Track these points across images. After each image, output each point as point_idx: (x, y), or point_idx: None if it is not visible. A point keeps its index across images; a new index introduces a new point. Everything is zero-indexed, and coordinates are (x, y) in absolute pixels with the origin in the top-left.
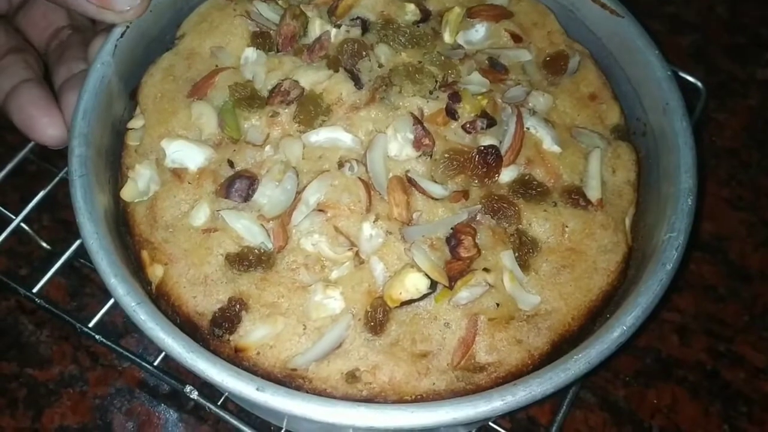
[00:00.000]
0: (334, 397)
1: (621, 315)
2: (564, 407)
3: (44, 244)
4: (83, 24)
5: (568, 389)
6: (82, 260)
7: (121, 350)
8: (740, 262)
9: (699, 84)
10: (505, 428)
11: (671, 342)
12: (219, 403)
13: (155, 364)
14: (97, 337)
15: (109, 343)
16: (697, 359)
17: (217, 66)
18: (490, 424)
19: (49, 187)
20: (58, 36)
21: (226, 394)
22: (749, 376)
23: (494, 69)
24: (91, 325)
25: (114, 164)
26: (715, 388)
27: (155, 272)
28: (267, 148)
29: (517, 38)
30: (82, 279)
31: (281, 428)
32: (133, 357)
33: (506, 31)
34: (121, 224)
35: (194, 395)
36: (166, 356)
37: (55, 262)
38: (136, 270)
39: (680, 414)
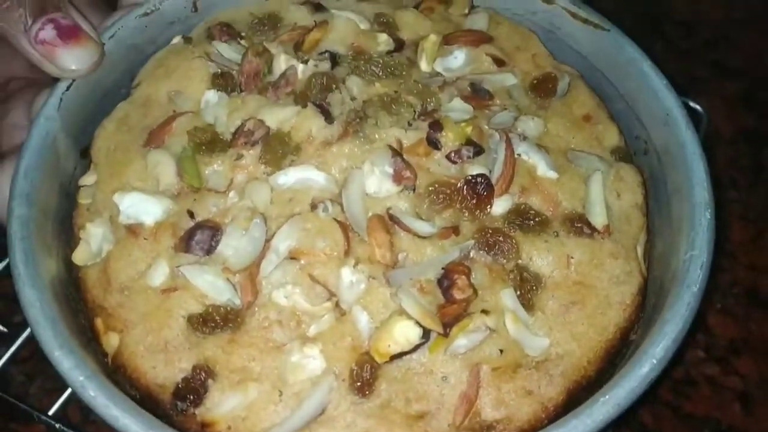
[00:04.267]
0: None
1: (648, 347)
2: None
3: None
4: (44, 80)
5: None
6: None
7: None
8: None
9: (698, 108)
10: None
11: (733, 411)
12: None
13: None
14: (57, 425)
15: (68, 431)
16: (764, 431)
17: (174, 111)
18: None
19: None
20: (6, 87)
21: None
22: None
23: (477, 95)
24: (51, 412)
25: (66, 228)
26: None
27: (110, 341)
28: (231, 194)
29: (499, 62)
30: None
31: None
32: None
33: (487, 55)
34: (73, 293)
35: None
36: None
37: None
38: (90, 342)
39: None
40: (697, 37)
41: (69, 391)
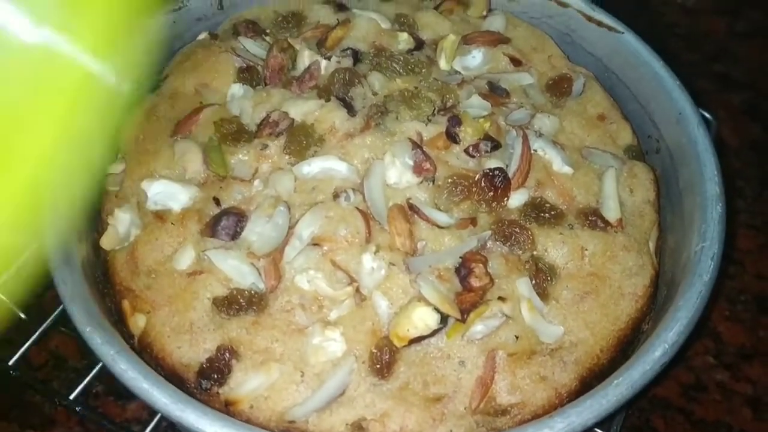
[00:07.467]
0: None
1: (661, 332)
2: None
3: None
4: None
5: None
6: (63, 329)
7: (105, 422)
8: None
9: (708, 115)
10: None
11: (743, 416)
12: None
13: None
14: (77, 408)
15: (90, 413)
16: None
17: (201, 103)
18: None
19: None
20: None
21: None
22: None
23: (495, 93)
24: (72, 396)
25: (92, 214)
26: None
27: (137, 323)
28: (256, 182)
29: (516, 62)
30: (66, 348)
31: None
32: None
33: (505, 55)
34: (100, 276)
35: None
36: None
37: (33, 333)
38: (118, 323)
39: None
40: (699, 50)
41: (89, 377)
